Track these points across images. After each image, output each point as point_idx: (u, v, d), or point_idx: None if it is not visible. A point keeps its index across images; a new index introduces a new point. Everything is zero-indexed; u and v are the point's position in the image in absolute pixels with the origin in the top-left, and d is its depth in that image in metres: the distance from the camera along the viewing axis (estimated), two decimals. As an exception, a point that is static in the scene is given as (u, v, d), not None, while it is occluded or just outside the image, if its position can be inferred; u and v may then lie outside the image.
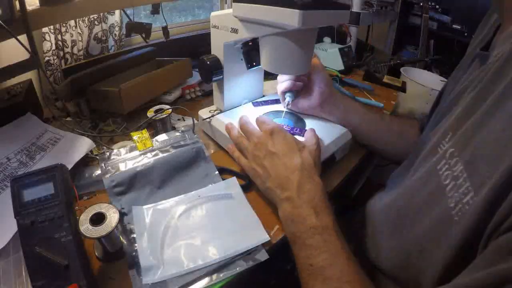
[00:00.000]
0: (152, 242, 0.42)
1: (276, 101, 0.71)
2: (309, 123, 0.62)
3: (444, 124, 0.36)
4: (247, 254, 0.41)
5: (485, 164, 0.24)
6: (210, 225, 0.45)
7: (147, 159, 0.53)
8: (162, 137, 0.58)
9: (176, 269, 0.39)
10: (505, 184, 0.21)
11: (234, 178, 0.54)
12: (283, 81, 0.59)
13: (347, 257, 0.35)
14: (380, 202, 0.47)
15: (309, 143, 0.46)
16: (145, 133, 0.58)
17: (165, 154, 0.55)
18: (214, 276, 0.39)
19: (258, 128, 0.50)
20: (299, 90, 0.61)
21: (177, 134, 0.59)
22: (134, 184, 0.50)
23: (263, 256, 0.41)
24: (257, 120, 0.51)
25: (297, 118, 0.64)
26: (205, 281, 0.38)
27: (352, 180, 0.66)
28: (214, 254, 0.41)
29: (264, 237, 0.43)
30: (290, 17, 0.40)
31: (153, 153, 0.55)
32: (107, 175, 0.50)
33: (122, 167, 0.52)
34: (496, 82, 0.28)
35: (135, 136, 0.57)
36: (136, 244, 0.42)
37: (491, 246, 0.21)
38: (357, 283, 0.33)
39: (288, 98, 0.60)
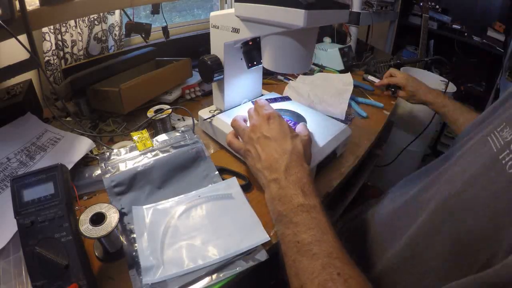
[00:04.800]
0: (152, 242, 0.42)
1: (276, 100, 0.71)
2: (309, 120, 0.62)
3: (493, 119, 0.36)
4: (247, 254, 0.41)
5: None
6: (210, 225, 0.45)
7: (147, 159, 0.53)
8: (162, 137, 0.58)
9: (176, 269, 0.39)
10: None
11: (234, 178, 0.54)
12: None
13: (334, 235, 0.34)
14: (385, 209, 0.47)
15: (302, 133, 0.48)
16: (145, 133, 0.58)
17: (165, 154, 0.55)
18: (214, 276, 0.39)
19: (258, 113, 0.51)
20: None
21: (177, 134, 0.59)
22: (134, 184, 0.50)
23: (263, 256, 0.41)
24: (256, 103, 0.51)
25: (298, 115, 0.64)
26: (205, 281, 0.38)
27: (352, 180, 0.67)
28: (214, 254, 0.41)
29: (264, 237, 0.43)
30: (295, 17, 0.40)
31: (153, 153, 0.55)
32: (107, 175, 0.50)
33: (122, 167, 0.52)
34: None
35: (135, 136, 0.57)
36: (136, 244, 0.42)
37: None
38: (346, 260, 0.32)
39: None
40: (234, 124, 0.52)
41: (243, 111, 0.66)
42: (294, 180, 0.40)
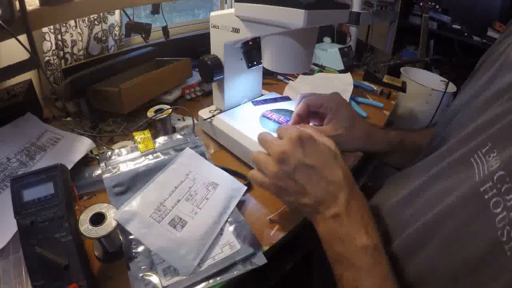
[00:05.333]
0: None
1: (275, 100, 0.71)
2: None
3: (477, 131, 0.31)
4: (245, 258, 0.41)
5: None
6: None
7: (148, 161, 0.53)
8: (164, 139, 0.58)
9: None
10: None
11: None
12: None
13: (395, 281, 0.31)
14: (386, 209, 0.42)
15: (331, 146, 0.40)
16: (147, 134, 0.58)
17: (166, 157, 0.54)
18: (211, 281, 0.39)
19: (277, 137, 0.42)
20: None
21: (179, 137, 0.59)
22: (134, 184, 0.50)
23: (261, 260, 0.41)
24: (278, 129, 0.42)
25: None
26: (202, 285, 0.38)
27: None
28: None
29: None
30: (295, 17, 0.40)
31: (155, 155, 0.55)
32: (107, 175, 0.50)
33: (123, 167, 0.52)
34: None
35: (137, 136, 0.57)
36: (134, 245, 0.42)
37: None
38: None
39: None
40: (261, 140, 0.42)
41: (243, 111, 0.66)
42: (357, 218, 0.35)
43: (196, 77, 0.91)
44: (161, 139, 0.58)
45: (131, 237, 0.43)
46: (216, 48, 0.61)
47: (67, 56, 0.84)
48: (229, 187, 0.51)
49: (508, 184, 0.24)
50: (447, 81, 0.98)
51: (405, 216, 0.36)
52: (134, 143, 0.56)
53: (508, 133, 0.27)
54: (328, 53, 1.11)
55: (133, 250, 0.42)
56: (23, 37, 0.53)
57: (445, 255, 0.28)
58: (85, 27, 0.86)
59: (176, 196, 0.47)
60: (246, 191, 0.53)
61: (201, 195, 0.48)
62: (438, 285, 0.28)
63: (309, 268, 0.66)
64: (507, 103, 0.29)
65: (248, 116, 0.64)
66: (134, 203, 0.44)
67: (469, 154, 0.30)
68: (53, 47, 0.79)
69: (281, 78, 1.02)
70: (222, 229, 0.45)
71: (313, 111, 0.51)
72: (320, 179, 0.37)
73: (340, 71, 1.04)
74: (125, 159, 0.53)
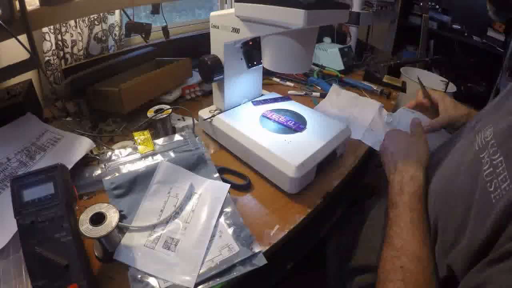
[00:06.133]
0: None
1: (275, 100, 0.71)
2: (309, 120, 0.63)
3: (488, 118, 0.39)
4: (245, 259, 0.41)
5: None
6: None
7: (148, 162, 0.53)
8: (164, 140, 0.58)
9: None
10: None
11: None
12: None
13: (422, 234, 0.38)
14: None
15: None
16: (146, 134, 0.58)
17: (165, 158, 0.54)
18: (211, 282, 0.39)
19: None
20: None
21: (180, 138, 0.59)
22: (134, 187, 0.50)
23: (261, 261, 0.41)
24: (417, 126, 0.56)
25: (298, 115, 0.65)
26: (200, 287, 0.38)
27: (352, 180, 0.67)
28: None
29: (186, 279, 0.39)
30: (295, 17, 0.40)
31: (155, 157, 0.55)
32: (107, 177, 0.50)
33: (123, 169, 0.52)
34: None
35: (137, 137, 0.57)
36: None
37: None
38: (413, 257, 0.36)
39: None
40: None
41: (243, 111, 0.66)
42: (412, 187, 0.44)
43: (196, 77, 0.91)
44: (160, 140, 0.58)
45: (131, 237, 0.43)
46: (216, 48, 0.61)
47: (67, 56, 0.84)
48: (211, 190, 0.51)
49: (494, 147, 0.32)
50: (447, 81, 0.98)
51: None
52: (134, 144, 0.56)
53: (502, 117, 0.35)
54: (328, 53, 1.11)
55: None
56: (23, 37, 0.53)
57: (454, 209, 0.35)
58: (85, 27, 0.86)
59: (164, 218, 0.46)
60: (246, 191, 0.54)
61: (187, 210, 0.48)
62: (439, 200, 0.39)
63: (311, 266, 0.66)
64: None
65: (248, 116, 0.64)
66: (128, 237, 0.44)
67: (475, 135, 0.39)
68: (53, 47, 0.79)
69: (277, 80, 1.01)
70: (221, 231, 0.45)
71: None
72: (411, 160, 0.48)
73: (340, 71, 1.04)
74: (125, 160, 0.53)
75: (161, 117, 0.62)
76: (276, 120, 0.62)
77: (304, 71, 0.56)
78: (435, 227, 0.38)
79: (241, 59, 0.63)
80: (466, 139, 0.42)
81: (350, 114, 0.80)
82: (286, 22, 0.43)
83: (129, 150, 0.55)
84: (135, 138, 0.56)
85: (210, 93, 0.74)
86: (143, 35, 0.91)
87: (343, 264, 0.56)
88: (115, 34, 0.95)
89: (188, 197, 0.50)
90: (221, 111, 0.66)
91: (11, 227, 0.40)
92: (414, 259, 0.35)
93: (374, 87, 0.95)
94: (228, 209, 0.48)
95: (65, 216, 0.36)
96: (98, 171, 0.53)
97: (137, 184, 0.50)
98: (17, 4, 0.51)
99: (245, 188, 0.54)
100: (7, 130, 0.58)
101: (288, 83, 0.99)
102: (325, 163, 0.56)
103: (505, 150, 0.31)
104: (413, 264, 0.35)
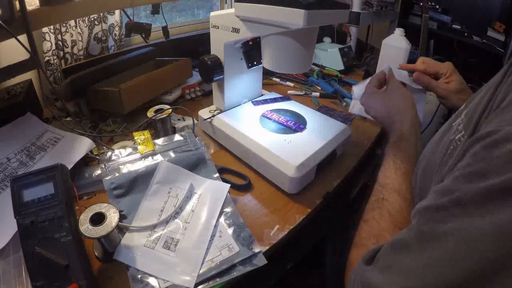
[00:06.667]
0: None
1: (275, 100, 0.71)
2: (309, 120, 0.63)
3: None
4: (245, 259, 0.41)
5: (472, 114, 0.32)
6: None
7: (148, 162, 0.53)
8: (164, 140, 0.58)
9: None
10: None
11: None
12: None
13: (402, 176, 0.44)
14: None
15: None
16: (146, 134, 0.58)
17: (165, 158, 0.54)
18: (211, 282, 0.39)
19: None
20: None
21: (180, 138, 0.59)
22: (134, 187, 0.50)
23: (261, 261, 0.41)
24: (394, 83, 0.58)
25: (298, 115, 0.65)
26: (200, 287, 0.38)
27: (352, 180, 0.67)
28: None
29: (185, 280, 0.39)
30: (295, 17, 0.40)
31: (154, 157, 0.55)
32: (107, 177, 0.50)
33: (123, 169, 0.52)
34: None
35: (137, 137, 0.57)
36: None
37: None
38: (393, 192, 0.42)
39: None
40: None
41: (243, 111, 0.66)
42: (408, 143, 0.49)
43: (196, 77, 0.91)
44: (160, 140, 0.58)
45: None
46: (216, 48, 0.61)
47: (67, 56, 0.84)
48: (211, 190, 0.51)
49: (461, 117, 0.34)
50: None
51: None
52: (134, 144, 0.56)
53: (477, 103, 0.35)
54: (328, 53, 1.11)
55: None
56: (23, 37, 0.53)
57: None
58: (85, 27, 0.86)
59: (164, 218, 0.46)
60: (246, 191, 0.54)
61: (187, 210, 0.48)
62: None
63: (310, 266, 0.66)
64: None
65: (248, 116, 0.64)
66: (128, 237, 0.44)
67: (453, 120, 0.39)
68: (53, 47, 0.79)
69: (277, 79, 1.01)
70: (221, 231, 0.45)
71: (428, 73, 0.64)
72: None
73: (340, 71, 1.04)
74: (125, 160, 0.53)
75: (161, 117, 0.62)
76: (276, 120, 0.62)
77: (304, 71, 0.56)
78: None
79: (241, 59, 0.63)
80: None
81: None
82: (286, 22, 0.43)
83: (129, 150, 0.55)
84: (135, 138, 0.56)
85: (210, 93, 0.74)
86: (143, 35, 0.91)
87: (340, 264, 0.56)
88: (115, 34, 0.95)
89: (188, 197, 0.50)
90: (221, 111, 0.66)
91: (11, 227, 0.40)
92: (393, 191, 0.41)
93: (374, 87, 0.94)
94: (228, 209, 0.48)
95: (65, 216, 0.36)
96: (98, 171, 0.53)
97: (137, 184, 0.50)
98: (17, 4, 0.51)
99: (245, 188, 0.54)
100: (7, 130, 0.58)
101: (288, 83, 0.99)
102: (325, 163, 0.56)
103: (468, 112, 0.33)
104: (392, 196, 0.41)
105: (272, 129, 0.59)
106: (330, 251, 0.64)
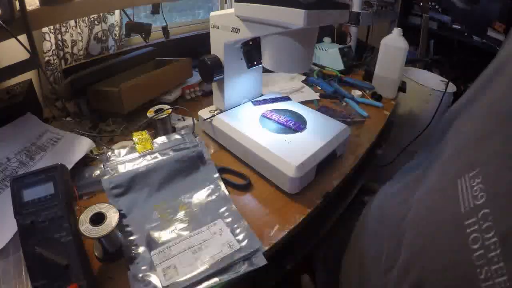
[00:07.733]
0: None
1: (275, 100, 0.71)
2: (309, 120, 0.62)
3: (466, 150, 0.30)
4: (245, 258, 0.41)
5: None
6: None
7: (147, 162, 0.53)
8: (162, 139, 0.58)
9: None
10: None
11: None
12: None
13: None
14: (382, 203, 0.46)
15: None
16: (145, 134, 0.58)
17: (164, 157, 0.54)
18: (211, 281, 0.39)
19: None
20: None
21: (177, 137, 0.59)
22: (132, 186, 0.50)
23: (261, 261, 0.41)
24: None
25: (298, 115, 0.65)
26: (201, 286, 0.38)
27: (352, 180, 0.67)
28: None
29: None
30: (295, 17, 0.40)
31: (153, 155, 0.55)
32: (106, 177, 0.50)
33: (121, 168, 0.52)
34: None
35: (136, 137, 0.57)
36: (134, 245, 0.42)
37: None
38: None
39: None
40: None
41: (243, 111, 0.66)
42: None
43: (196, 77, 0.91)
44: (159, 140, 0.58)
45: (131, 238, 0.43)
46: (216, 48, 0.61)
47: (67, 56, 0.84)
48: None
49: (489, 222, 0.24)
50: (447, 81, 0.98)
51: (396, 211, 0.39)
52: (133, 143, 0.56)
53: (494, 159, 0.26)
54: (328, 53, 1.11)
55: (133, 251, 0.42)
56: (23, 37, 0.53)
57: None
58: (85, 27, 0.86)
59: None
60: (246, 191, 0.54)
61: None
62: None
63: (310, 267, 0.66)
64: (496, 118, 0.28)
65: (248, 116, 0.64)
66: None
67: (456, 176, 0.29)
68: (53, 47, 0.79)
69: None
70: (221, 230, 0.45)
71: None
72: None
73: (340, 71, 1.04)
74: (124, 160, 0.53)
75: (161, 117, 0.62)
76: (276, 120, 0.62)
77: (304, 71, 0.56)
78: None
79: (241, 59, 0.63)
80: (442, 177, 0.32)
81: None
82: (286, 22, 0.43)
83: (128, 149, 0.55)
84: (134, 138, 0.56)
85: (210, 93, 0.74)
86: (143, 35, 0.91)
87: (330, 275, 0.55)
88: (115, 34, 0.95)
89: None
90: (221, 111, 0.66)
91: (11, 227, 0.40)
92: None
93: (374, 87, 0.95)
94: (228, 209, 0.48)
95: (65, 216, 0.36)
96: (98, 171, 0.53)
97: (136, 183, 0.50)
98: (17, 4, 0.51)
99: (245, 188, 0.54)
100: (7, 130, 0.58)
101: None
102: (325, 163, 0.56)
103: (502, 229, 0.23)
104: None
105: (272, 129, 0.59)
106: (319, 260, 0.63)
